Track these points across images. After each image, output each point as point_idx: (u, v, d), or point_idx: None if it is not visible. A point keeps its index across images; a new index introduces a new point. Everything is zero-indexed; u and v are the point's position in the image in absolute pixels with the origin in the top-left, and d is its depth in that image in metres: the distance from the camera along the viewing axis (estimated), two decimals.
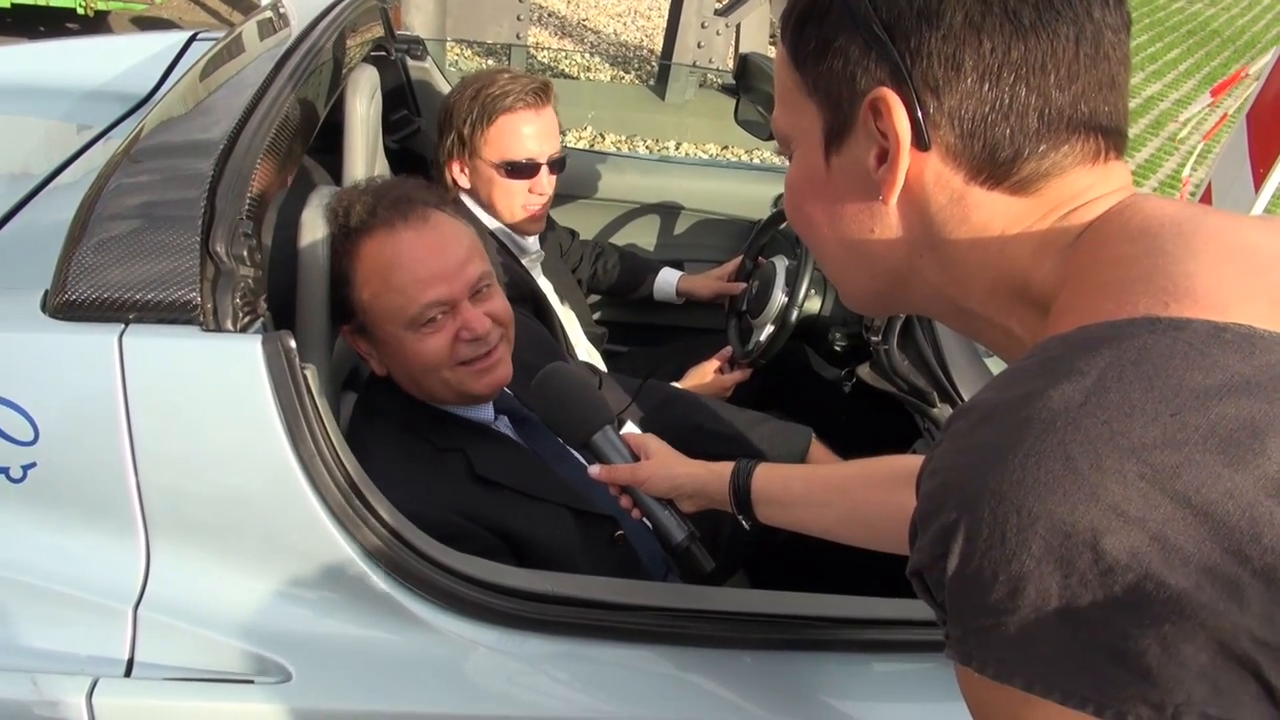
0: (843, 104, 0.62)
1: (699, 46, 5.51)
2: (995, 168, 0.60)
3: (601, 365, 2.08)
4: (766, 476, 1.19)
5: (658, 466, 1.23)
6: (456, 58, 5.90)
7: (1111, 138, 0.61)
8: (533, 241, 1.96)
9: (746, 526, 1.22)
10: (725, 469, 1.22)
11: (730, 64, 5.47)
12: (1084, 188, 0.60)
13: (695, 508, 1.24)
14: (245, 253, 0.99)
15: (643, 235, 2.51)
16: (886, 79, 0.59)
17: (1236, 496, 0.44)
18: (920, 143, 0.59)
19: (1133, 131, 6.96)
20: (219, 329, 0.95)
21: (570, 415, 1.27)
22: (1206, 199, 3.89)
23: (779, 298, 1.88)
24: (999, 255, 0.62)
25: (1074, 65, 0.57)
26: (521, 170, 1.83)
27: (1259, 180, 3.56)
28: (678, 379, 2.03)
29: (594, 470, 1.27)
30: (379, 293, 1.30)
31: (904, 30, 0.58)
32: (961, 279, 0.65)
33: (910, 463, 1.11)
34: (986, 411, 0.52)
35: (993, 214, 0.61)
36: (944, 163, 0.60)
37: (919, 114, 0.59)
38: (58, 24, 5.09)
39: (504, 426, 1.46)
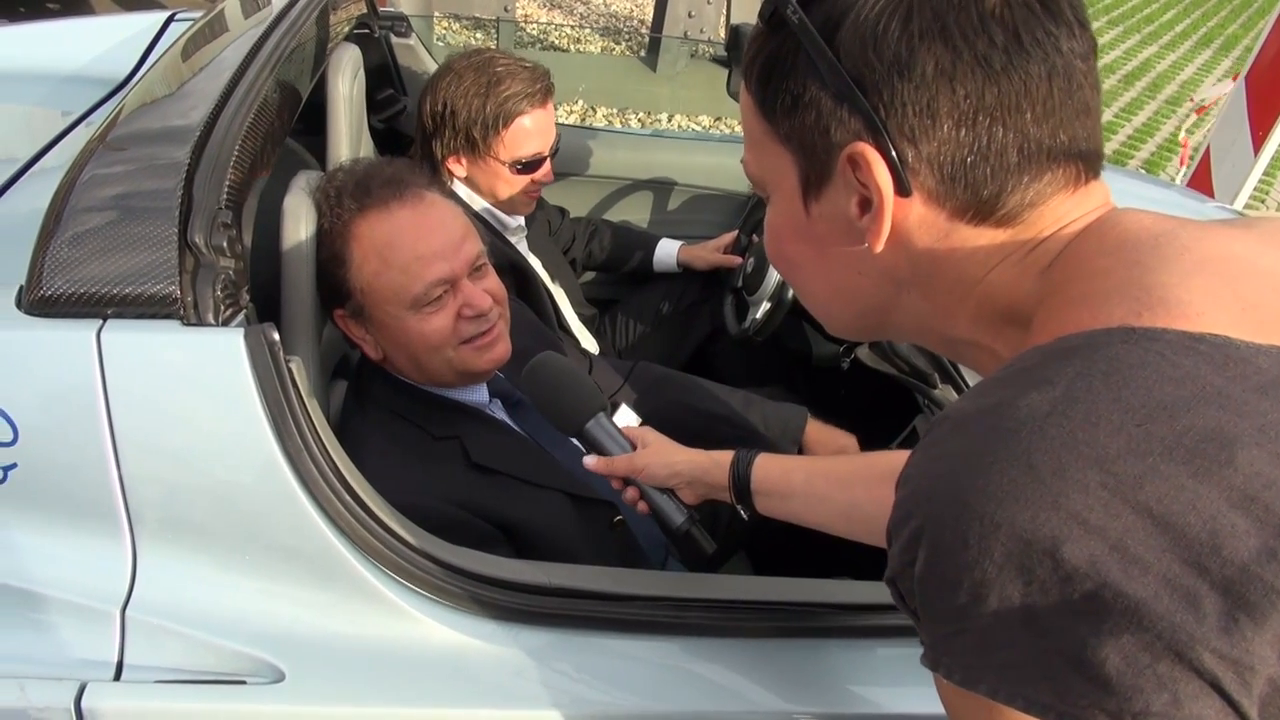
0: (818, 154, 0.61)
1: (690, 16, 5.45)
2: (980, 206, 0.59)
3: (594, 346, 2.06)
4: (766, 467, 1.17)
5: (655, 455, 1.21)
6: (445, 31, 5.83)
7: (1089, 160, 0.61)
8: (518, 217, 1.95)
9: (745, 517, 1.20)
10: (725, 457, 1.19)
11: (722, 34, 5.41)
12: (1065, 212, 0.60)
13: (694, 497, 1.22)
14: (225, 243, 0.96)
15: (635, 212, 2.48)
16: (862, 131, 0.58)
17: (1199, 508, 0.44)
18: (902, 190, 0.59)
19: (1130, 95, 6.91)
20: (200, 323, 0.93)
21: (563, 404, 1.24)
22: (1205, 162, 3.87)
23: (775, 274, 1.85)
24: (983, 284, 0.62)
25: (1049, 101, 0.57)
26: (531, 166, 1.85)
27: (1258, 143, 3.54)
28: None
29: (589, 462, 1.24)
30: (379, 272, 1.28)
31: (875, 83, 0.57)
32: (948, 309, 0.65)
33: None
34: (958, 421, 0.53)
35: (977, 248, 0.61)
36: (927, 206, 0.60)
37: (898, 164, 0.58)
38: (38, 4, 5.01)
39: (498, 410, 1.44)
